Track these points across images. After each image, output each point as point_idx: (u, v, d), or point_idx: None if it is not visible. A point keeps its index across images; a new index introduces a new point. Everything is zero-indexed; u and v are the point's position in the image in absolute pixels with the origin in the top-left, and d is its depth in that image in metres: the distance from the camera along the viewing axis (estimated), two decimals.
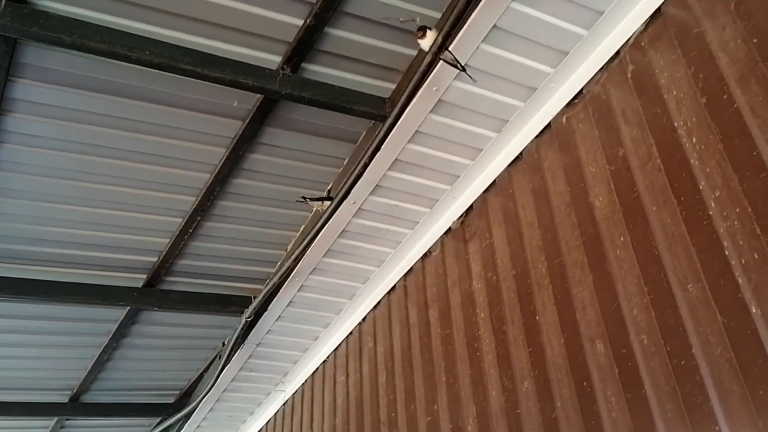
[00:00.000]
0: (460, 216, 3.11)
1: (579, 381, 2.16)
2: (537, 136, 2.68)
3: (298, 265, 3.52)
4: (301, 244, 3.36)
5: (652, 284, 1.98)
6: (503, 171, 2.86)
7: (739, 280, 1.70)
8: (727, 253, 1.76)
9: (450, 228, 3.17)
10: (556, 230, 2.45)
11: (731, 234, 1.76)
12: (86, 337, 4.24)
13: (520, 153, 2.77)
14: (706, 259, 1.82)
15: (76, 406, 4.98)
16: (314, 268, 3.61)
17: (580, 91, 2.48)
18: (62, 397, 4.93)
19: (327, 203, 3.06)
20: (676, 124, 2.03)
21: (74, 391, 4.86)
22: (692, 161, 1.94)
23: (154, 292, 3.80)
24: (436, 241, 3.27)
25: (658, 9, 2.18)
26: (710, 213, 1.84)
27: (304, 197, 3.23)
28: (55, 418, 5.14)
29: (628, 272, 2.07)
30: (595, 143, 2.35)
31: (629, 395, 1.95)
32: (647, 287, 1.99)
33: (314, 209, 3.31)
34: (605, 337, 2.10)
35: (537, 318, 2.44)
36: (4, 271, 3.44)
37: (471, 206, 3.06)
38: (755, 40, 1.84)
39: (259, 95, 2.72)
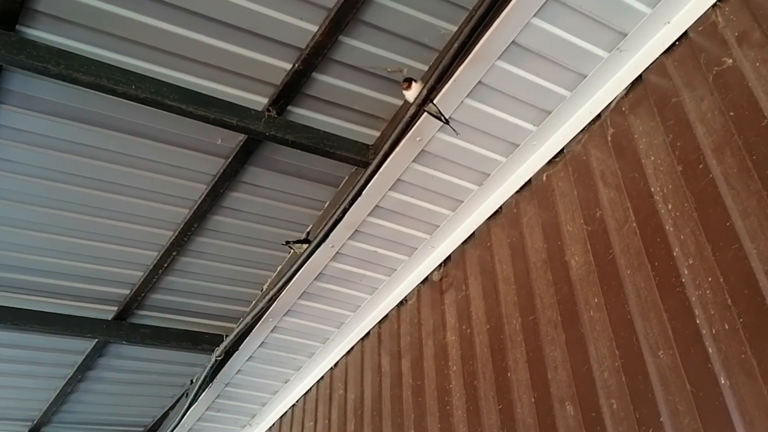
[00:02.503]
0: (438, 266, 3.10)
1: None
2: (517, 192, 2.70)
3: (273, 305, 3.47)
4: (276, 284, 3.32)
5: (623, 348, 1.97)
6: (482, 224, 2.87)
7: (710, 350, 1.70)
8: (698, 321, 1.76)
9: (427, 277, 3.16)
10: (531, 286, 2.45)
11: (703, 303, 1.77)
12: (51, 367, 4.14)
13: (500, 207, 2.78)
14: (678, 326, 1.82)
15: None
16: (289, 310, 3.56)
17: (561, 150, 2.51)
18: (22, 429, 4.77)
19: (305, 245, 3.04)
20: (652, 190, 2.06)
21: (34, 422, 4.72)
22: (667, 227, 1.96)
23: (123, 325, 3.73)
24: (413, 289, 3.25)
25: (640, 76, 2.24)
26: (683, 280, 1.85)
27: (288, 241, 3.22)
28: None
29: (601, 334, 2.06)
30: (573, 202, 2.37)
31: None
32: (618, 351, 1.98)
33: (291, 251, 3.29)
34: (575, 398, 2.08)
35: (509, 375, 2.41)
36: None
37: (449, 257, 3.05)
38: (731, 113, 1.88)
39: (243, 135, 2.72)
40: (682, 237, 1.91)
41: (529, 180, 2.65)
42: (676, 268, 1.89)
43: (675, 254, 1.91)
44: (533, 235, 2.53)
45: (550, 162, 2.56)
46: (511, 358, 2.43)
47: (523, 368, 2.35)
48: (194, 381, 4.14)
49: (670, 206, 1.98)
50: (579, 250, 2.27)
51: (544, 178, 2.56)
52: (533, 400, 2.25)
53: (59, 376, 4.22)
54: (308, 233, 3.17)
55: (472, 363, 2.63)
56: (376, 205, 2.92)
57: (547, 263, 2.41)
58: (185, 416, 4.35)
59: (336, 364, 3.80)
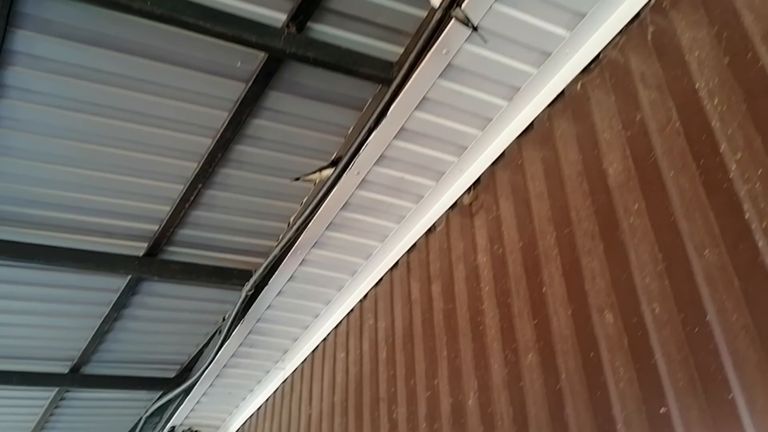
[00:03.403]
0: (467, 189, 3.02)
1: (586, 352, 2.07)
2: (549, 105, 2.59)
3: (300, 238, 3.45)
4: (302, 215, 3.28)
5: (666, 251, 1.89)
6: (513, 142, 2.77)
7: (759, 244, 1.61)
8: (746, 216, 1.67)
9: (456, 202, 3.09)
10: (566, 200, 2.37)
11: (752, 197, 1.67)
12: (87, 306, 4.20)
13: (531, 123, 2.68)
14: (725, 223, 1.73)
15: (76, 377, 4.95)
16: (316, 242, 3.53)
17: (597, 56, 2.38)
18: (62, 368, 4.90)
19: (327, 173, 2.97)
20: (697, 86, 1.94)
21: (74, 361, 4.83)
22: (713, 123, 1.85)
23: (154, 262, 3.75)
24: (441, 215, 3.18)
25: None
26: (730, 176, 1.75)
27: (297, 177, 3.16)
28: (56, 389, 5.12)
29: (642, 240, 1.98)
30: (610, 109, 2.26)
31: (638, 365, 1.86)
32: (661, 254, 1.90)
33: (317, 180, 3.23)
34: (615, 306, 2.02)
35: (543, 290, 2.35)
36: (4, 234, 3.38)
37: (478, 179, 2.97)
38: None
39: (263, 55, 2.64)
40: (729, 131, 1.80)
41: (562, 91, 2.53)
42: (723, 164, 1.79)
43: (722, 150, 1.80)
44: (567, 148, 2.43)
45: (584, 70, 2.43)
46: (546, 273, 2.37)
47: (558, 282, 2.29)
48: (226, 318, 4.18)
49: (716, 101, 1.87)
50: (617, 158, 2.17)
51: (579, 87, 2.44)
52: (570, 312, 2.20)
53: (96, 315, 4.29)
54: (335, 158, 3.09)
55: (504, 282, 2.58)
56: (402, 127, 2.83)
57: (583, 174, 2.32)
58: (219, 353, 4.42)
59: (365, 296, 3.79)
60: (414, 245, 3.37)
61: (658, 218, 1.95)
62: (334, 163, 3.01)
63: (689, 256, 1.80)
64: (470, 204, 2.98)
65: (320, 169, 3.07)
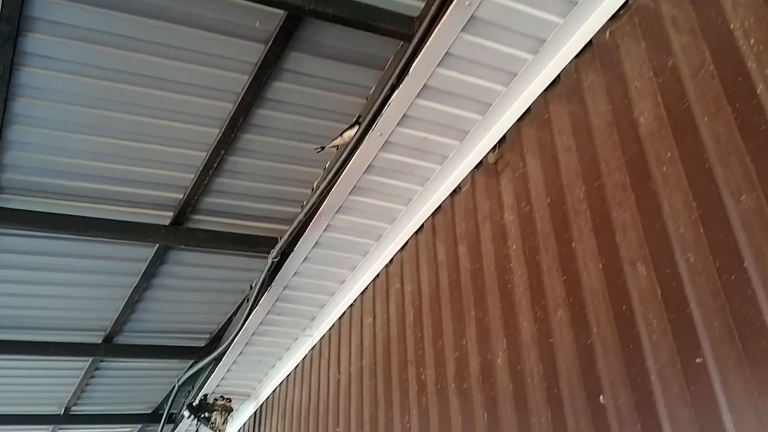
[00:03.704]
0: (492, 148, 2.96)
1: (617, 305, 2.03)
2: (577, 56, 2.50)
3: (324, 203, 3.43)
4: (326, 180, 3.26)
5: (701, 199, 1.83)
6: (539, 96, 2.70)
7: None
8: None
9: (481, 162, 3.03)
10: (595, 152, 2.30)
11: None
12: (117, 276, 4.26)
13: (558, 76, 2.60)
14: (763, 167, 1.67)
15: (110, 347, 5.06)
16: (340, 207, 3.51)
17: (626, 2, 2.29)
18: (96, 338, 5.00)
19: (349, 134, 2.93)
20: (732, 26, 1.85)
21: (107, 332, 4.93)
22: (749, 64, 1.77)
23: (180, 230, 3.77)
24: (466, 176, 3.13)
25: None
26: None
27: (321, 147, 3.13)
28: (90, 359, 5.24)
29: (675, 188, 1.92)
30: (641, 56, 2.18)
31: (672, 316, 1.82)
32: (695, 202, 1.84)
33: (340, 144, 3.19)
34: (647, 258, 1.97)
35: (573, 245, 2.31)
36: (31, 204, 3.43)
37: (504, 136, 2.91)
38: None
39: (282, 14, 2.59)
40: (767, 72, 1.72)
41: (590, 41, 2.44)
42: (759, 106, 1.71)
43: (758, 92, 1.72)
44: (596, 100, 2.36)
45: (613, 17, 2.34)
46: (575, 227, 2.32)
47: (588, 236, 2.24)
48: (253, 286, 4.21)
49: (752, 41, 1.78)
50: (648, 106, 2.10)
51: (607, 35, 2.36)
52: (600, 266, 2.15)
53: (126, 285, 4.35)
54: (358, 117, 3.05)
55: (533, 239, 2.54)
56: (425, 85, 2.77)
57: (613, 125, 2.25)
58: (247, 321, 4.46)
59: (391, 261, 3.77)
60: (439, 207, 3.33)
61: (692, 165, 1.88)
62: (356, 123, 2.97)
63: (725, 203, 1.74)
64: (495, 162, 2.93)
65: (342, 132, 3.03)
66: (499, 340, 2.59)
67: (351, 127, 3.02)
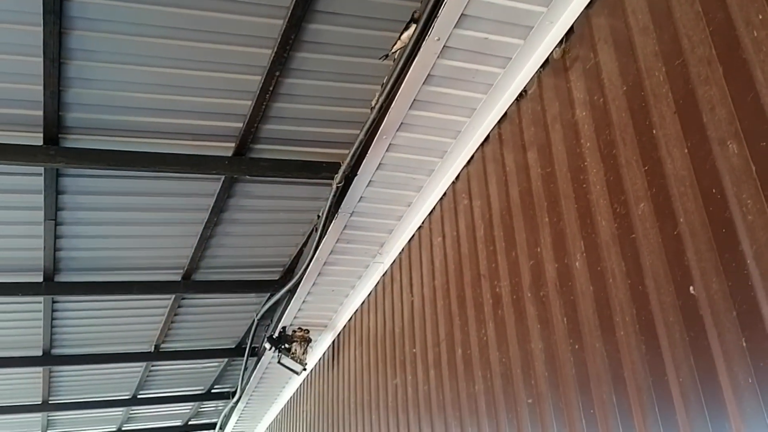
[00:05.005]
0: (559, 42, 2.76)
1: (706, 189, 1.86)
2: None
3: (384, 120, 3.32)
4: (383, 94, 3.14)
5: None
6: None
7: None
8: None
9: (547, 59, 2.83)
10: (675, 27, 2.08)
11: None
12: (187, 212, 4.34)
13: None
14: None
15: (189, 283, 5.23)
16: (401, 123, 3.39)
17: None
18: (175, 276, 5.18)
19: (408, 33, 2.78)
20: None
21: (185, 269, 5.08)
22: None
23: (243, 161, 3.77)
24: (532, 77, 2.94)
25: None
26: None
27: (384, 55, 2.98)
28: (172, 296, 5.44)
29: None
30: None
31: None
32: None
33: (400, 49, 3.03)
34: (739, 134, 1.78)
35: (654, 132, 2.12)
36: (98, 143, 3.49)
37: (571, 28, 2.69)
38: None
39: None
40: None
41: None
42: None
43: None
44: None
45: None
46: (656, 113, 2.13)
47: (671, 120, 2.06)
48: (320, 215, 4.20)
49: None
50: None
51: None
52: (686, 150, 1.97)
53: (197, 221, 4.44)
54: (413, 14, 2.88)
55: (608, 132, 2.36)
56: None
57: None
58: (317, 251, 4.48)
59: (457, 177, 3.66)
60: (505, 115, 3.17)
61: None
62: (412, 21, 2.80)
63: None
64: (563, 57, 2.73)
65: (400, 34, 2.87)
66: (576, 243, 2.47)
67: (407, 27, 2.85)
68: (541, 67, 2.88)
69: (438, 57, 2.95)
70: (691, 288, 1.87)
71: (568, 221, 2.54)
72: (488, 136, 3.33)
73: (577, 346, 2.39)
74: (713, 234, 1.82)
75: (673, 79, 2.07)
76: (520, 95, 3.04)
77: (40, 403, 7.80)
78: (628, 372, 2.10)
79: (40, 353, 6.26)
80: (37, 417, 8.50)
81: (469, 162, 3.53)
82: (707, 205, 1.85)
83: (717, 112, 1.88)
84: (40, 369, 6.77)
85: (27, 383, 7.24)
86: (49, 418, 8.65)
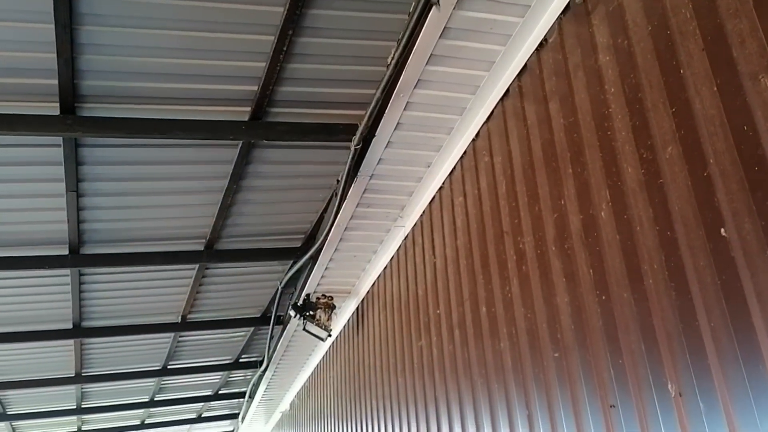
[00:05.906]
0: None
1: (737, 128, 1.78)
2: None
3: (401, 77, 3.25)
4: (398, 49, 3.06)
5: None
6: None
7: None
8: None
9: (567, 5, 2.73)
10: None
11: None
12: (207, 180, 4.33)
13: None
14: None
15: (212, 253, 5.24)
16: (418, 80, 3.32)
17: None
18: (198, 245, 5.20)
19: None
20: None
21: (207, 238, 5.09)
22: None
23: (260, 125, 3.73)
24: (552, 24, 2.84)
25: None
26: None
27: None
28: (196, 266, 5.47)
29: None
30: None
31: None
32: None
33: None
34: None
35: (681, 72, 2.03)
36: (113, 111, 3.47)
37: None
38: None
39: None
40: None
41: None
42: None
43: None
44: None
45: None
46: (683, 52, 2.04)
47: (699, 58, 1.97)
48: (340, 179, 4.15)
49: None
50: None
51: None
52: (715, 88, 1.89)
53: (217, 189, 4.43)
54: None
55: (633, 75, 2.27)
56: None
57: None
58: (338, 215, 4.45)
59: (477, 134, 3.58)
60: (524, 66, 3.08)
61: None
62: None
63: None
64: (585, 1, 2.62)
65: None
66: (601, 193, 2.40)
67: None
68: (561, 13, 2.78)
69: (454, 8, 2.86)
70: (722, 230, 1.80)
71: (593, 171, 2.47)
72: (508, 90, 3.24)
73: (603, 297, 2.34)
74: (745, 173, 1.74)
75: (700, 15, 1.98)
76: (540, 45, 2.94)
77: (73, 375, 7.98)
78: (657, 320, 2.05)
79: (70, 326, 6.38)
80: (71, 389, 8.72)
81: (489, 118, 3.45)
82: (738, 143, 1.78)
83: (747, 45, 1.79)
84: (71, 342, 6.91)
85: (60, 356, 7.41)
86: (83, 390, 8.87)
